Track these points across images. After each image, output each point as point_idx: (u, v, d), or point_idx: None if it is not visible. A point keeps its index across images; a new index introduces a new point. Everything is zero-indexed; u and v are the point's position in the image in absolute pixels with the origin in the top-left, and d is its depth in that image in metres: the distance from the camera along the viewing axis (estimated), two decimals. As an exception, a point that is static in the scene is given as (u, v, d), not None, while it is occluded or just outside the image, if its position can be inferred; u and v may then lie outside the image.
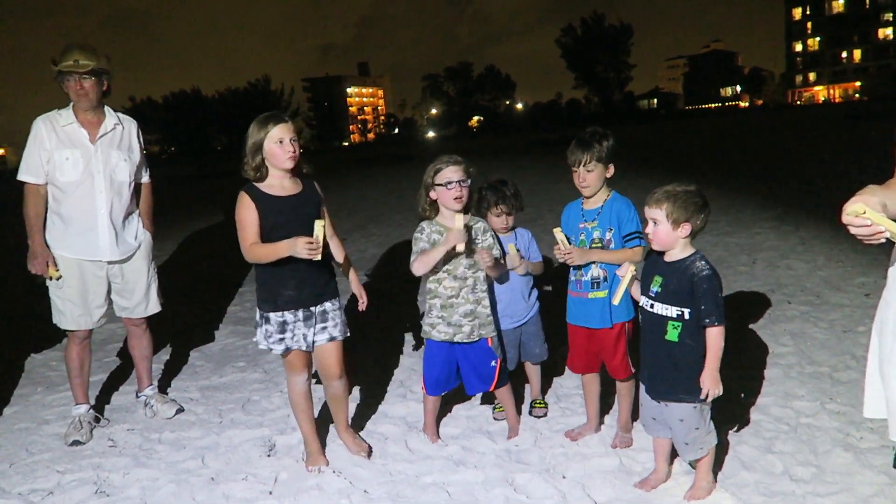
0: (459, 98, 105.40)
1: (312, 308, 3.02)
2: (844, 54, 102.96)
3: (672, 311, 2.56)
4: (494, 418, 3.54)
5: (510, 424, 3.37)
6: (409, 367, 4.39)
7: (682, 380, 2.57)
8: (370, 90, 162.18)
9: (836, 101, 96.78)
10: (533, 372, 3.63)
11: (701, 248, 2.64)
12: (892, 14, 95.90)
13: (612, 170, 3.04)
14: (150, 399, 3.91)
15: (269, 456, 3.33)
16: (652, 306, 2.63)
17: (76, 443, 3.54)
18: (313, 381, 3.18)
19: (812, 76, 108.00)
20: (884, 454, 2.88)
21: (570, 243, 3.04)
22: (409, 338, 4.99)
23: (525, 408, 3.61)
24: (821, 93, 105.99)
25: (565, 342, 3.28)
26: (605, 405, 3.41)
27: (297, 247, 2.72)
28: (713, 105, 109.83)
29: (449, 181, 3.03)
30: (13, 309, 6.86)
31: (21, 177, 3.47)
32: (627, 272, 2.74)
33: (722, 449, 2.93)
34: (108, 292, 3.68)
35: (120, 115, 3.69)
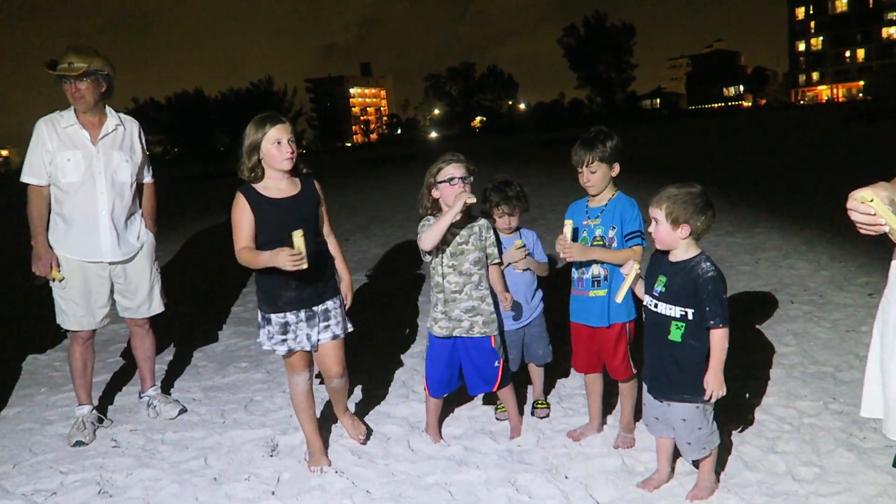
0: (462, 98, 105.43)
1: (315, 308, 3.02)
2: (848, 53, 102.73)
3: (676, 312, 2.55)
4: (497, 418, 3.54)
5: (512, 425, 3.37)
6: (412, 368, 4.39)
7: (686, 380, 2.57)
8: (373, 91, 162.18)
9: (840, 100, 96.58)
10: (536, 373, 3.62)
11: (703, 248, 2.63)
12: (895, 13, 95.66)
13: (616, 169, 3.03)
14: (153, 399, 3.91)
15: (271, 456, 3.33)
16: (656, 306, 2.62)
17: (79, 443, 3.54)
18: (317, 381, 3.19)
19: (815, 76, 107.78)
20: (887, 454, 2.87)
21: (576, 239, 3.03)
22: (411, 338, 4.99)
23: (527, 408, 3.61)
24: (824, 92, 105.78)
25: (568, 342, 3.28)
26: (608, 405, 3.41)
27: (279, 260, 2.69)
28: (716, 105, 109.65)
29: (451, 177, 3.04)
30: (17, 309, 6.88)
31: (24, 178, 3.48)
32: (631, 270, 2.73)
33: (725, 449, 2.92)
34: (111, 293, 3.69)
35: (121, 115, 3.70)
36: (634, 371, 3.13)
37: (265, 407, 3.94)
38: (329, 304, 3.06)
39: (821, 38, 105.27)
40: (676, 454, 2.80)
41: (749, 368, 3.89)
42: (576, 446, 3.20)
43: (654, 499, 2.73)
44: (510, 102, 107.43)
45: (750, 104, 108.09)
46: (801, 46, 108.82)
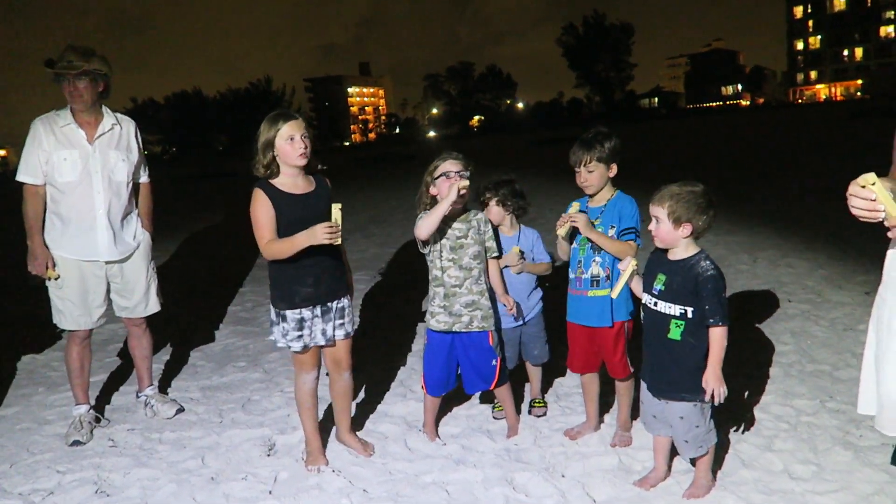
0: (460, 98, 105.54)
1: (330, 304, 3.03)
2: (846, 52, 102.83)
3: (675, 310, 2.55)
4: (494, 417, 3.54)
5: (509, 423, 3.37)
6: (410, 367, 4.40)
7: (684, 378, 2.57)
8: (371, 90, 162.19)
9: (838, 99, 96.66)
10: (534, 372, 3.62)
11: (702, 247, 2.63)
12: (893, 12, 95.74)
13: (614, 169, 3.03)
14: (150, 399, 3.91)
15: (269, 455, 3.33)
16: (655, 304, 2.62)
17: (77, 443, 3.54)
18: (325, 373, 3.19)
19: (813, 74, 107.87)
20: (884, 452, 2.87)
21: (573, 242, 3.04)
22: (409, 337, 4.99)
23: (524, 407, 3.62)
24: (822, 91, 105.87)
25: (565, 341, 3.28)
26: (605, 404, 3.41)
27: (317, 233, 2.73)
28: (714, 104, 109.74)
29: (447, 172, 3.06)
30: (14, 309, 6.87)
31: (20, 177, 3.48)
32: (629, 266, 2.73)
33: (721, 447, 2.92)
34: (108, 292, 3.68)
35: (118, 115, 3.70)
36: (632, 370, 3.13)
37: (263, 406, 3.94)
38: (345, 301, 3.11)
39: (819, 37, 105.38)
40: (674, 453, 2.80)
41: (746, 366, 3.90)
42: (573, 445, 3.20)
43: (651, 497, 2.73)
44: (509, 102, 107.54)
45: (748, 103, 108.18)
46: (800, 45, 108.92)
